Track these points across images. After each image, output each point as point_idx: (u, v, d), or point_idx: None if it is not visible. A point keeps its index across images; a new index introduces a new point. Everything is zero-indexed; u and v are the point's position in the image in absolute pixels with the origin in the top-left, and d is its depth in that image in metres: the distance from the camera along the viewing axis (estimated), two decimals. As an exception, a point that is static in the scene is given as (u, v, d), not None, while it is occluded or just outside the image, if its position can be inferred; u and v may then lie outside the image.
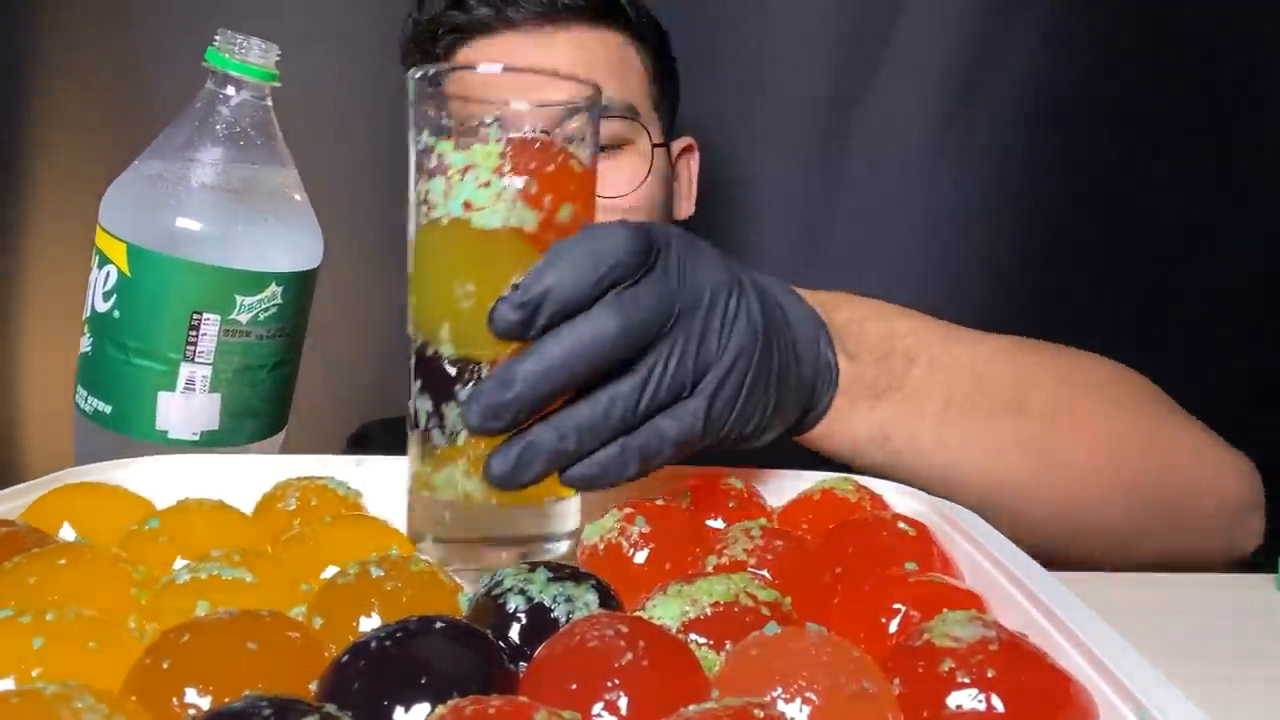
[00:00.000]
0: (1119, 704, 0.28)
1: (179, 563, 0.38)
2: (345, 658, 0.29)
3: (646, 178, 0.75)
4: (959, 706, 0.27)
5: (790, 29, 0.89)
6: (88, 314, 0.55)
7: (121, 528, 0.41)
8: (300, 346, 0.59)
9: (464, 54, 0.75)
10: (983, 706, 0.27)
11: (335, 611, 0.33)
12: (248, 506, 0.45)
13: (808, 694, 0.26)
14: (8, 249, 0.99)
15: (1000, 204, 1.02)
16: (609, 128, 0.73)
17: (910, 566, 0.36)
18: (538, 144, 0.40)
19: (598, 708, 0.27)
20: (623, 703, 0.27)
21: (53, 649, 0.29)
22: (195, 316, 0.52)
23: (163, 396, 0.52)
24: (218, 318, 0.52)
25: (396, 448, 0.45)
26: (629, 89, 0.76)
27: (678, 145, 0.83)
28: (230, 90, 0.55)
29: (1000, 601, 0.36)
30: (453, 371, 0.40)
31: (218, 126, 0.54)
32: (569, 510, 0.44)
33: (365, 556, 0.37)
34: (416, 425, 0.42)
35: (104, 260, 0.54)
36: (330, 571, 0.38)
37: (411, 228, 0.42)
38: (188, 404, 0.53)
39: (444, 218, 0.40)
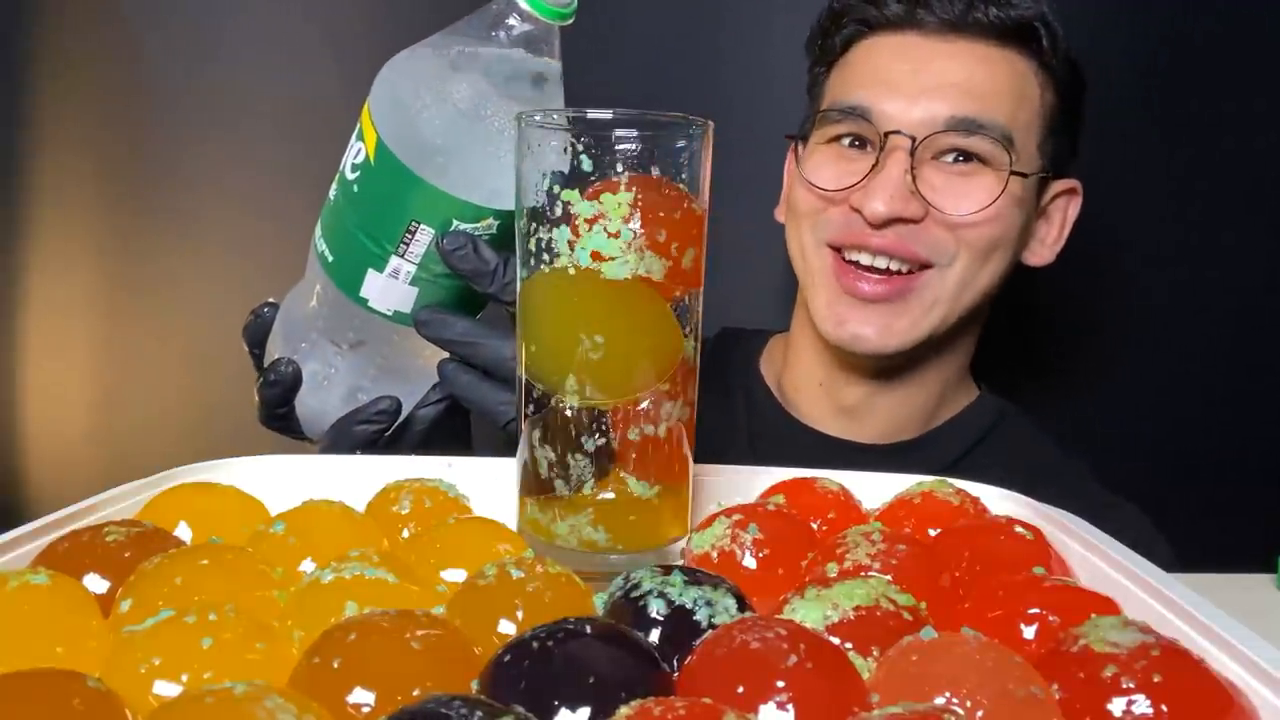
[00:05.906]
0: None
1: (308, 564, 0.38)
2: (507, 657, 0.29)
3: (994, 201, 0.73)
4: (1124, 712, 0.27)
5: (791, 30, 0.89)
6: (342, 169, 0.57)
7: (236, 527, 0.42)
8: None
9: (865, 46, 0.78)
10: (1151, 712, 0.27)
11: (478, 612, 0.33)
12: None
13: (979, 698, 0.27)
14: (7, 249, 0.99)
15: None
16: (975, 144, 0.73)
17: (1039, 571, 0.36)
18: (664, 189, 0.40)
19: (767, 709, 0.27)
20: (790, 705, 0.27)
21: (221, 650, 0.29)
22: (413, 224, 0.54)
23: (371, 273, 0.55)
24: (433, 232, 0.54)
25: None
26: (1013, 116, 0.75)
27: (1061, 184, 0.80)
28: (514, 20, 0.53)
29: (1129, 605, 0.36)
30: (578, 422, 0.40)
31: (494, 56, 0.54)
32: (683, 541, 0.44)
33: (491, 559, 0.37)
34: (534, 474, 0.42)
35: (360, 137, 0.56)
36: (451, 573, 0.39)
37: (522, 273, 0.41)
38: (390, 286, 0.56)
39: (569, 267, 0.39)
